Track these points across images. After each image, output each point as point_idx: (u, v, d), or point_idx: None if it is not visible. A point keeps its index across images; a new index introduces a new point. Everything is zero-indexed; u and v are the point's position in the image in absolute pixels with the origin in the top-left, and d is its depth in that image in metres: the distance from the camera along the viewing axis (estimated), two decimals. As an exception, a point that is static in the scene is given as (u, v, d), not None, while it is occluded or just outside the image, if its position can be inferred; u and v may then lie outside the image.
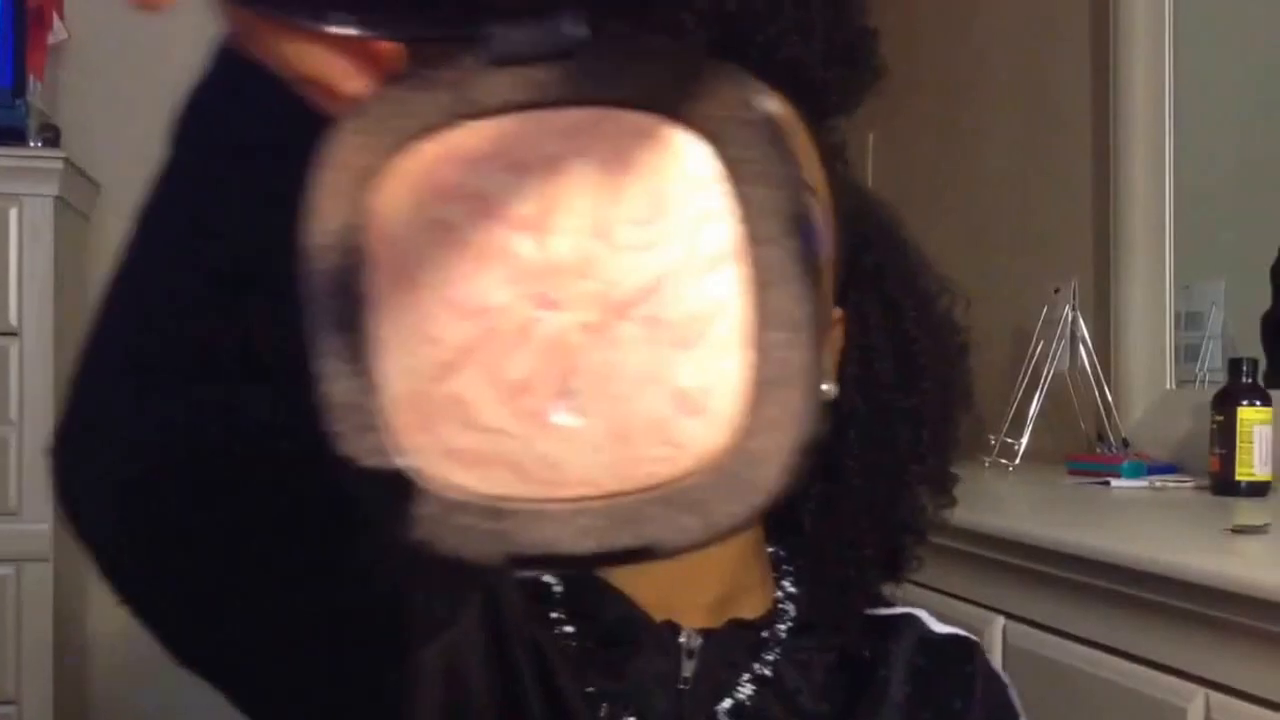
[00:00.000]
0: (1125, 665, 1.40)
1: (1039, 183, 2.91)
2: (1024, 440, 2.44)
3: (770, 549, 0.94)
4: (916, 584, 1.87)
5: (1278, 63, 2.49)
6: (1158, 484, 2.09)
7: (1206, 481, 1.97)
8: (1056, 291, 2.51)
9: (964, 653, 0.95)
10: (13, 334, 3.01)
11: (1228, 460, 1.90)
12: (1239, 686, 1.24)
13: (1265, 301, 2.18)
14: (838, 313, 0.91)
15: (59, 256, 3.08)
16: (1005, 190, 3.05)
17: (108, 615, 3.52)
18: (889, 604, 0.99)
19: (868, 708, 0.88)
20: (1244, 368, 1.92)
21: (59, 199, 3.07)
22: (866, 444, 0.92)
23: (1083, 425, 2.52)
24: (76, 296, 3.24)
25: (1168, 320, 2.45)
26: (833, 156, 0.88)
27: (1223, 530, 1.51)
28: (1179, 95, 2.45)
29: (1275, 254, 2.15)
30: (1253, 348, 2.15)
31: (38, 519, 2.93)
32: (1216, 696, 1.26)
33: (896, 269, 0.96)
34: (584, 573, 0.85)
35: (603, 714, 0.82)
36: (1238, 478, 1.89)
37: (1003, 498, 2.16)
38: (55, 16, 3.32)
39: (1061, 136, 2.80)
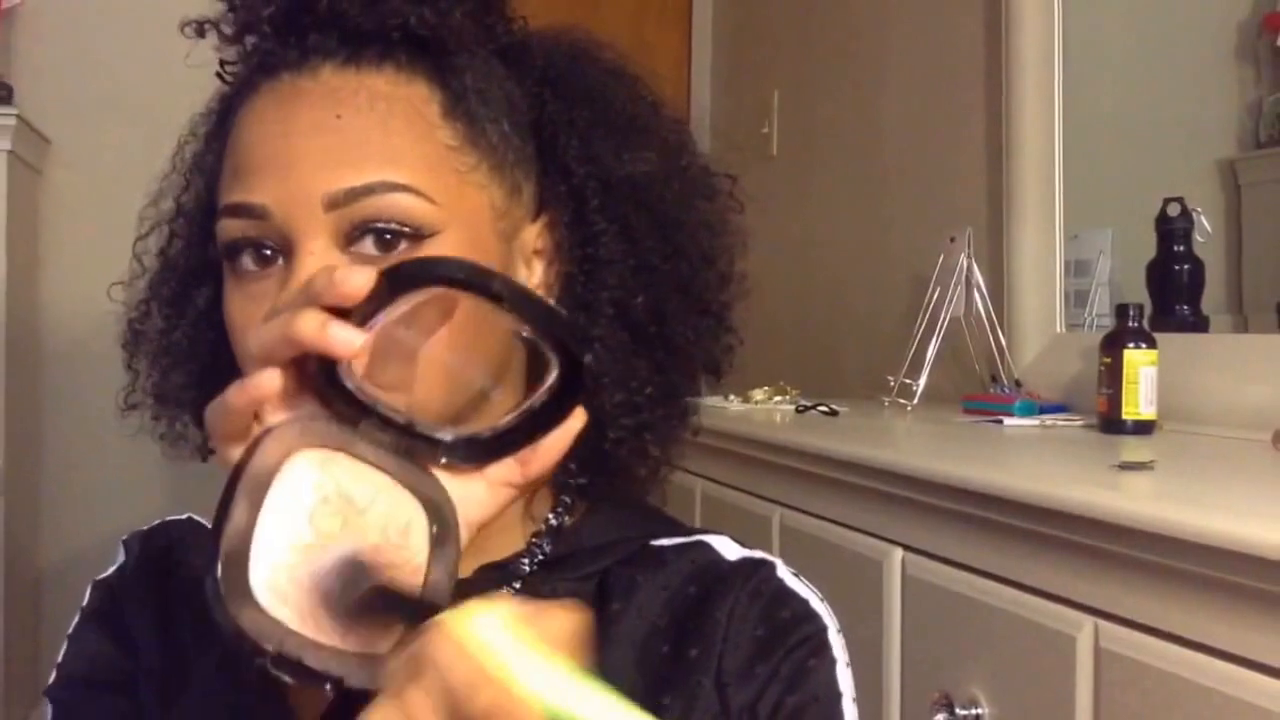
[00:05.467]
0: (1018, 595, 1.37)
1: (935, 137, 2.87)
2: (922, 381, 2.41)
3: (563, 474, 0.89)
4: (817, 516, 1.87)
5: (1164, 18, 2.48)
6: (1048, 422, 2.06)
7: (1094, 420, 1.94)
8: (952, 240, 2.47)
9: (741, 577, 0.87)
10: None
11: (1114, 400, 1.87)
12: (1125, 615, 1.21)
13: (1150, 250, 2.14)
14: None
15: (11, 210, 3.04)
16: (903, 144, 3.01)
17: (60, 549, 3.45)
18: (687, 532, 0.92)
19: (599, 642, 0.82)
20: (1130, 312, 1.89)
21: (11, 154, 3.04)
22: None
23: (977, 367, 2.49)
24: (27, 249, 3.21)
25: (1058, 268, 2.42)
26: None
27: (1109, 466, 1.49)
28: (1068, 52, 2.40)
29: (1159, 205, 2.14)
30: (1138, 294, 2.12)
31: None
32: (1104, 625, 1.23)
33: (620, 227, 0.87)
34: None
35: None
36: (1124, 417, 1.86)
37: (901, 435, 2.13)
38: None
39: (956, 92, 2.76)
